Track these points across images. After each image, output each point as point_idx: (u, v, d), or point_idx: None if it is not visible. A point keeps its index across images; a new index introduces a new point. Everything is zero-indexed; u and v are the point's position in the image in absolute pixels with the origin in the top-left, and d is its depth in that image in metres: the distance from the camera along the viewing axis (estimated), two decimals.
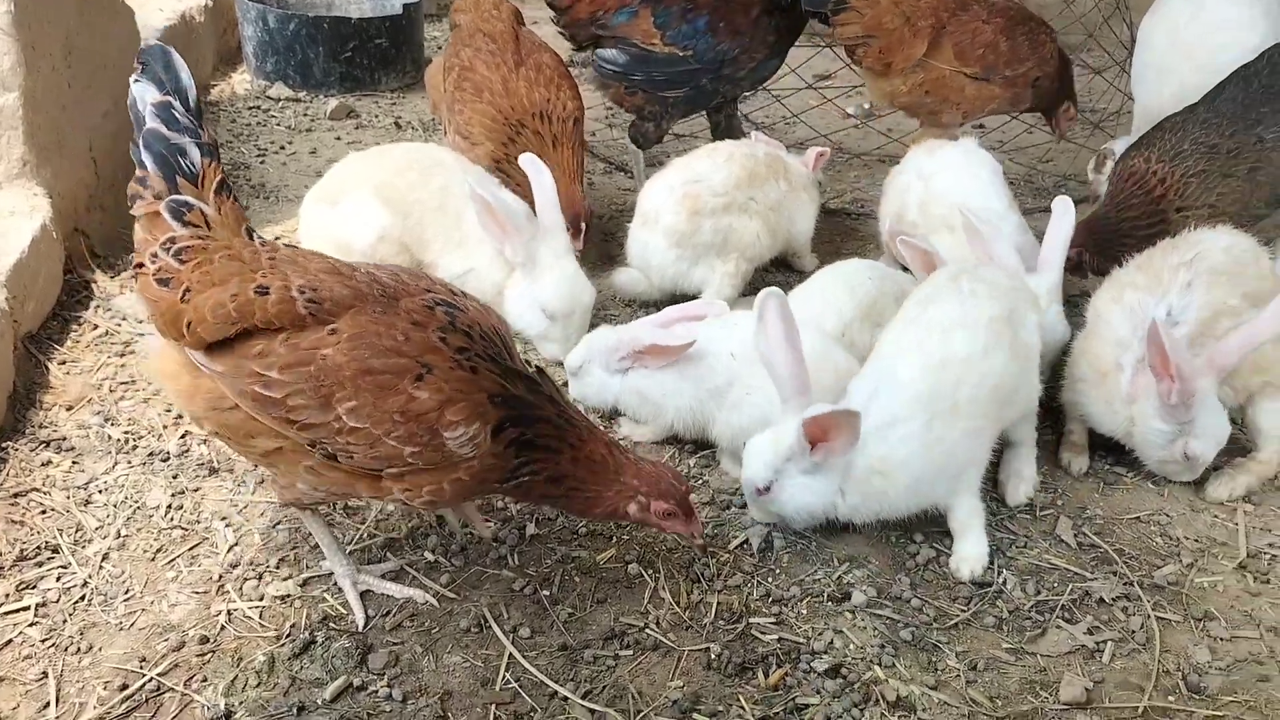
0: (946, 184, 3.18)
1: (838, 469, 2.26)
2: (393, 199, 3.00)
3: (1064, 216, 2.84)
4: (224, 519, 2.42)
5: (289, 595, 2.23)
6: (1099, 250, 3.07)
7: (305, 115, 4.82)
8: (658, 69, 3.58)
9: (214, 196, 1.99)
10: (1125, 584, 2.34)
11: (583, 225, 3.26)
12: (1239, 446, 2.70)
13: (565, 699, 2.02)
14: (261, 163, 4.32)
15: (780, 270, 3.62)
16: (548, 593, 2.27)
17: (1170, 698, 2.08)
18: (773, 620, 2.22)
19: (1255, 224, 3.07)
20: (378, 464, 1.93)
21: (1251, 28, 3.38)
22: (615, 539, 2.42)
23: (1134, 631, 2.23)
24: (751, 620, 2.22)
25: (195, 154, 1.97)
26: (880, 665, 2.11)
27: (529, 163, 2.98)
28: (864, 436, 2.22)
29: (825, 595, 2.29)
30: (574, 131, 3.39)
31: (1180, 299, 2.57)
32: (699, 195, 3.18)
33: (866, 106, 5.20)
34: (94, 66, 3.40)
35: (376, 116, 4.85)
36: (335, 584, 2.23)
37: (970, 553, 2.35)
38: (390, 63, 5.10)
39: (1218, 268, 2.61)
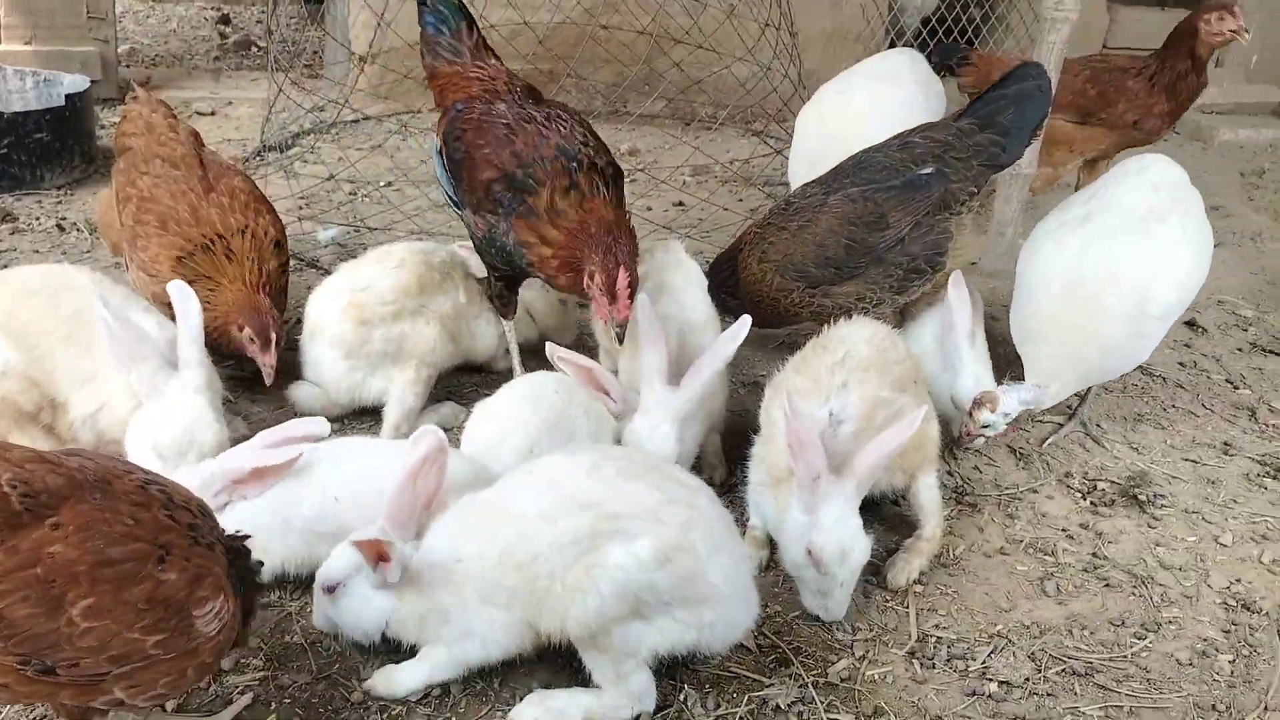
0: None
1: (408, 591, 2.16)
2: (15, 330, 2.68)
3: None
4: None
5: None
6: (714, 293, 3.26)
7: None
8: None
9: None
10: (801, 686, 2.36)
11: (272, 336, 3.01)
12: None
13: None
14: None
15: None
16: None
17: None
18: None
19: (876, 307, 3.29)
20: (108, 666, 1.71)
21: (895, 118, 3.61)
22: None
23: None
24: None
25: None
26: None
27: (176, 291, 2.73)
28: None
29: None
30: (272, 269, 3.16)
31: (839, 400, 2.66)
32: (365, 304, 3.05)
33: None
34: None
35: (38, 219, 4.43)
36: None
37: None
38: (54, 157, 4.68)
39: (865, 362, 2.73)
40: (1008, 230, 4.30)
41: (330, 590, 2.20)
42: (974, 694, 2.39)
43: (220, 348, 3.02)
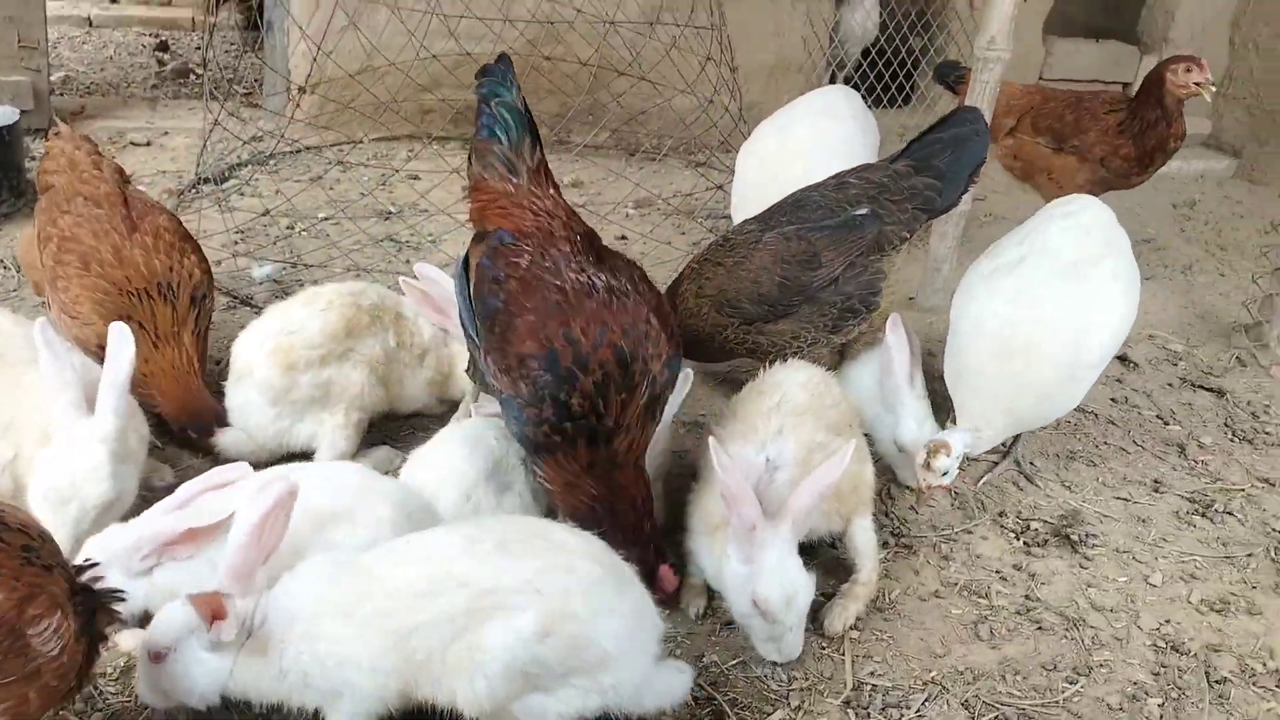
0: None
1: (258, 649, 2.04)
2: None
3: None
4: None
5: None
6: None
7: None
8: None
9: None
10: None
11: (215, 426, 3.00)
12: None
13: None
14: None
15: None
16: None
17: None
18: None
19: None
20: None
21: (834, 154, 3.64)
22: None
23: None
24: None
25: None
26: None
27: (115, 333, 2.61)
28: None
29: None
30: (198, 314, 3.10)
31: (775, 446, 2.66)
32: (292, 348, 3.00)
33: None
34: None
35: None
36: None
37: None
38: None
39: (800, 407, 2.74)
40: (944, 266, 4.35)
41: (158, 657, 2.04)
42: None
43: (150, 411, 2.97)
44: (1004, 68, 3.95)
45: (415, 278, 3.27)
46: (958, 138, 3.18)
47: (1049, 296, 3.07)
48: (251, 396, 3.01)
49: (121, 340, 2.61)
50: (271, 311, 3.15)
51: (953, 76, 5.12)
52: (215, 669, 2.03)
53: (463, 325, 2.75)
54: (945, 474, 3.00)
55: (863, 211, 3.19)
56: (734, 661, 2.59)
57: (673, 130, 5.90)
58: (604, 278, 2.50)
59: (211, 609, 1.97)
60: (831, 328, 3.25)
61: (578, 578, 2.07)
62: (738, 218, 3.99)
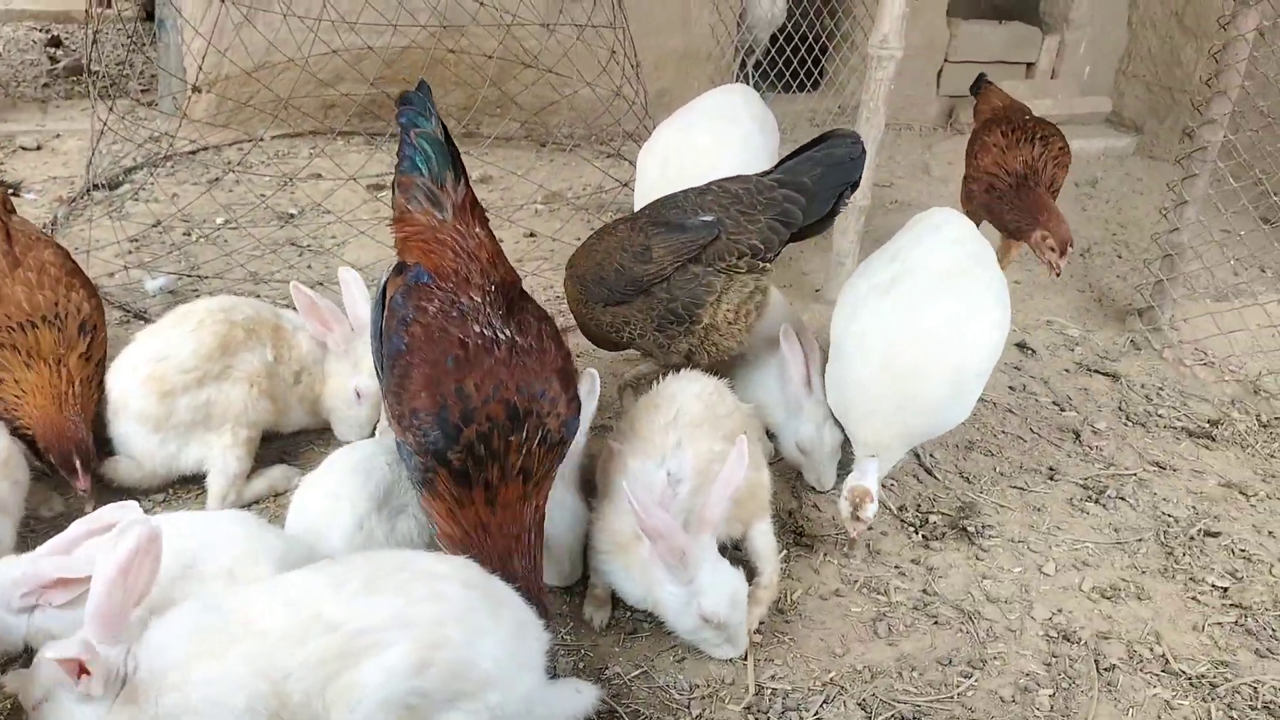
0: None
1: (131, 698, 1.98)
2: None
3: None
4: None
5: None
6: None
7: None
8: None
9: None
10: None
11: (78, 465, 2.82)
12: None
13: None
14: None
15: None
16: None
17: None
18: None
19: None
20: None
21: (731, 156, 3.65)
22: None
23: None
24: None
25: None
26: None
27: None
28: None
29: None
30: (89, 341, 2.98)
31: (675, 459, 2.69)
32: (165, 375, 2.94)
33: None
34: None
35: None
36: None
37: None
38: None
39: (696, 419, 2.76)
40: (847, 260, 4.39)
41: (34, 706, 2.00)
42: None
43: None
44: (896, 65, 3.98)
45: (305, 285, 3.23)
46: (831, 157, 3.07)
47: (929, 314, 3.04)
48: (131, 428, 2.94)
49: None
50: (141, 337, 3.07)
51: (979, 83, 4.85)
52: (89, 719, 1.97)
53: (374, 353, 2.69)
54: (869, 517, 2.97)
55: (706, 218, 3.13)
56: (637, 672, 2.61)
57: (583, 119, 5.86)
58: (508, 333, 2.47)
59: (73, 668, 1.91)
60: (657, 326, 3.19)
61: (449, 604, 2.07)
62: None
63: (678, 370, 2.99)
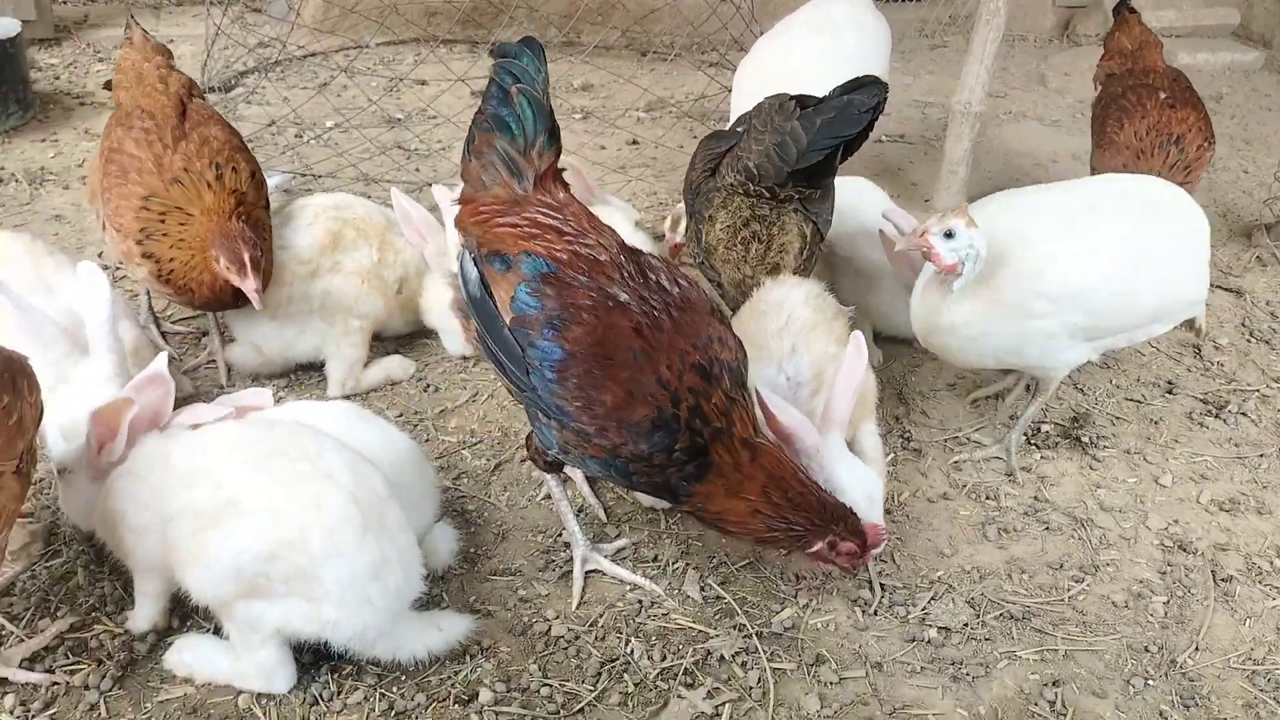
0: None
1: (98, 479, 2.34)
2: None
3: None
4: None
5: None
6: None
7: None
8: None
9: None
10: (745, 636, 2.42)
11: (246, 259, 2.81)
12: None
13: None
14: None
15: None
16: None
17: None
18: None
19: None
20: None
21: (828, 70, 3.51)
22: None
23: (751, 688, 2.30)
24: None
25: None
26: None
27: (85, 272, 2.59)
28: None
29: (452, 698, 2.23)
30: (252, 198, 3.03)
31: (792, 364, 2.68)
32: (284, 264, 3.05)
33: None
34: None
35: None
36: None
37: None
38: None
39: (808, 323, 2.74)
40: (959, 169, 4.27)
41: (61, 472, 2.40)
42: (914, 640, 2.45)
43: (206, 295, 2.96)
44: None
45: (410, 189, 3.30)
46: (846, 104, 2.77)
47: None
48: (251, 315, 3.05)
49: (93, 278, 2.58)
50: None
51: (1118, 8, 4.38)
52: (91, 497, 2.33)
53: (489, 352, 2.34)
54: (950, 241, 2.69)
55: (738, 129, 3.07)
56: (743, 563, 2.64)
57: (686, 28, 5.76)
58: (658, 298, 2.25)
59: (111, 422, 2.24)
60: (694, 237, 3.15)
61: (322, 513, 2.10)
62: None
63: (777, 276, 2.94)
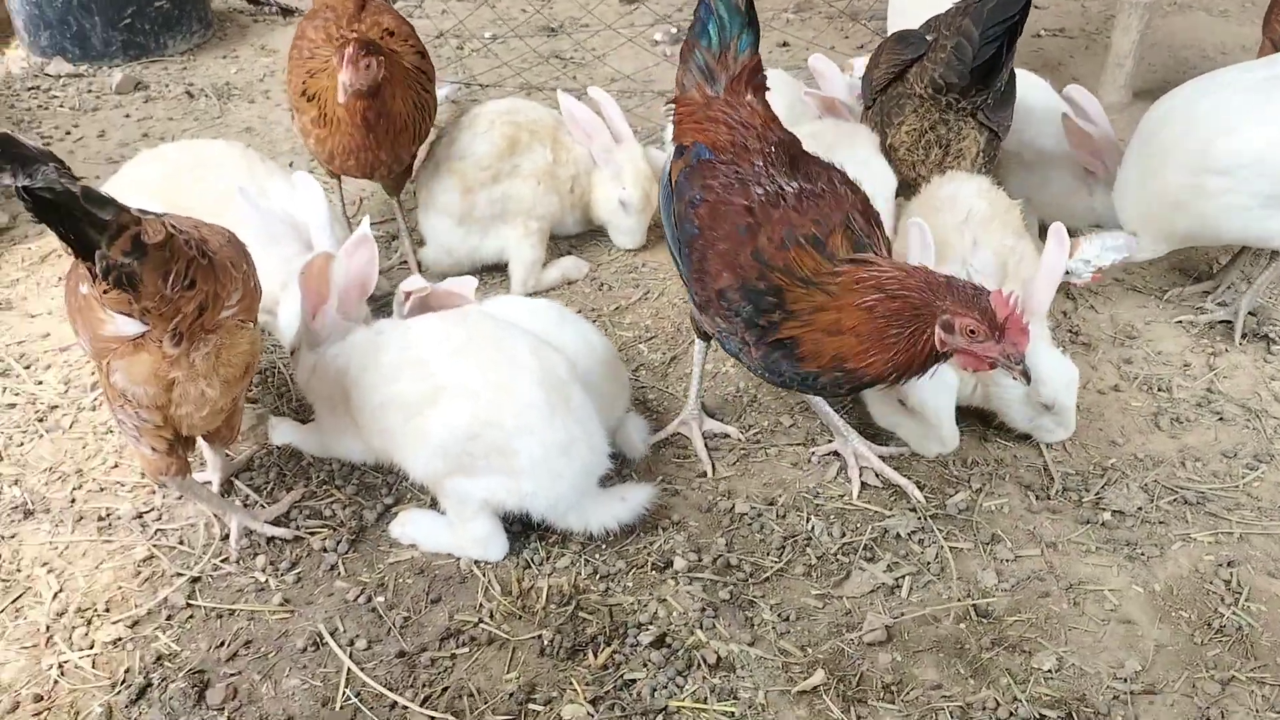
0: None
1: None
2: (169, 206, 2.82)
3: None
4: (45, 564, 2.39)
5: (120, 639, 2.23)
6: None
7: (90, 92, 4.55)
8: None
9: None
10: (920, 518, 2.54)
11: (348, 51, 2.80)
12: None
13: (405, 708, 2.11)
14: None
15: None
16: (382, 599, 2.34)
17: (961, 625, 2.29)
18: (599, 598, 2.34)
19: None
20: None
21: None
22: None
23: (929, 563, 2.43)
24: (581, 599, 2.33)
25: None
26: (701, 629, 2.26)
27: (300, 180, 2.85)
28: None
29: (649, 565, 2.42)
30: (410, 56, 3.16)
31: (976, 257, 2.74)
32: (465, 172, 3.24)
33: (674, 31, 5.19)
34: None
35: (166, 86, 4.62)
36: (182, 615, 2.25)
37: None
38: (175, 24, 4.83)
39: (986, 216, 2.79)
40: (1126, 62, 4.18)
41: (293, 353, 2.69)
42: (1087, 522, 2.53)
43: (347, 132, 3.03)
44: None
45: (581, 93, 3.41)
46: None
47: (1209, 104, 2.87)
48: (438, 221, 3.29)
49: (308, 185, 2.85)
50: (439, 140, 3.35)
51: None
52: (308, 367, 2.59)
53: (669, 239, 2.59)
54: (1068, 273, 2.99)
55: (927, 36, 3.08)
56: (913, 455, 2.75)
57: None
58: (796, 184, 2.34)
59: (318, 284, 2.49)
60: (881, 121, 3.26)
61: (513, 397, 2.31)
62: (891, 29, 3.91)
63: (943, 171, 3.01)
